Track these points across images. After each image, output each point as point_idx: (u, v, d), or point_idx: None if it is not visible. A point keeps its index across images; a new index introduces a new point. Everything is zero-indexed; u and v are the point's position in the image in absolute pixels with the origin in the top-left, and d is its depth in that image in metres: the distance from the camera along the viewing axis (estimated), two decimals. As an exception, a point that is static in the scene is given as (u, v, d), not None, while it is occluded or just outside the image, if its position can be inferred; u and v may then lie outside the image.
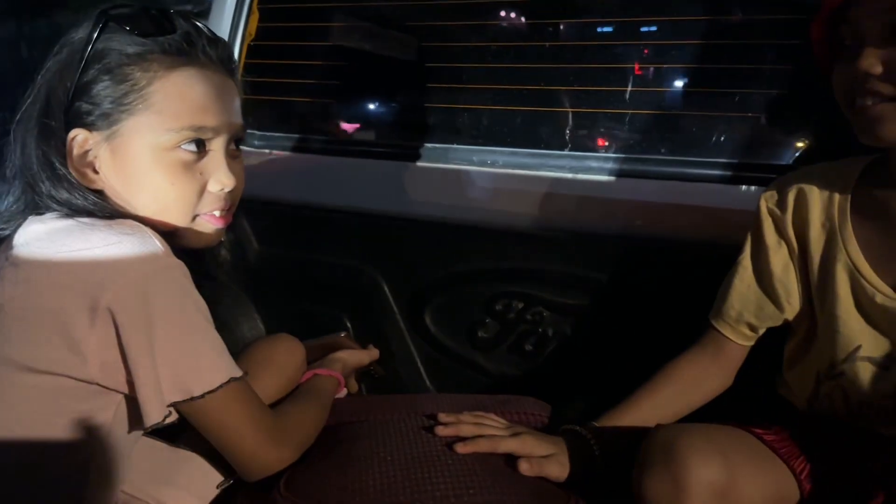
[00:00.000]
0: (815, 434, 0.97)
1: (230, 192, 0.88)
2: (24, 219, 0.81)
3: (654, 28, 1.40)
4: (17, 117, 0.83)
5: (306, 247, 1.64)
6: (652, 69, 1.43)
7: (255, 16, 1.72)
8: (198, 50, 0.83)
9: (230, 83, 0.87)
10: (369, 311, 1.59)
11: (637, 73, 1.42)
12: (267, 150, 1.71)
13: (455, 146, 1.54)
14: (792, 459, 0.93)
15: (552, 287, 1.42)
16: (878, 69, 0.79)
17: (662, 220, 1.31)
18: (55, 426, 0.76)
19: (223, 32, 1.71)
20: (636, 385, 1.07)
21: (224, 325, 1.55)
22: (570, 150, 1.45)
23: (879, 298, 0.91)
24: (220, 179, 0.85)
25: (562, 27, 1.49)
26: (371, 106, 1.67)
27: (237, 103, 0.89)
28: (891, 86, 0.79)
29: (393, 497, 0.84)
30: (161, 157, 0.81)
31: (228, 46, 0.89)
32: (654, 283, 1.21)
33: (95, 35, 0.79)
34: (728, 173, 1.28)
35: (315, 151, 1.68)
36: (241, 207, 1.56)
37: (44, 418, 0.76)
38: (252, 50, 1.72)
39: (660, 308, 1.15)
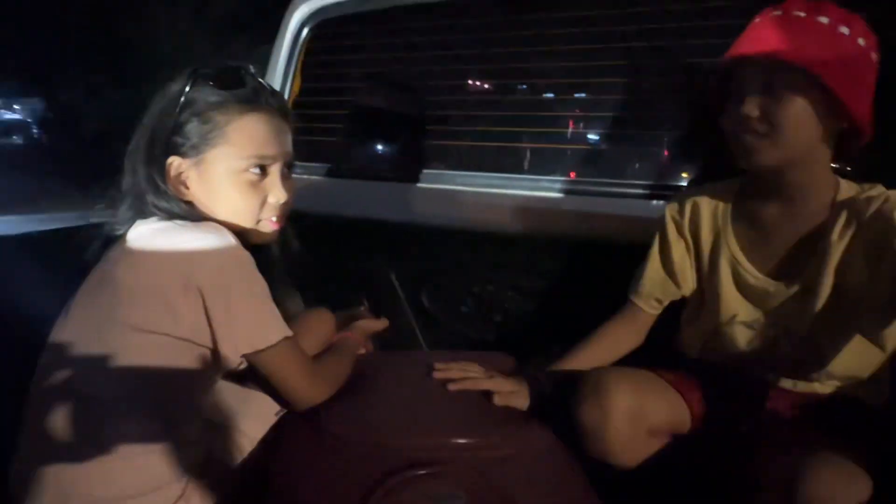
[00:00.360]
0: (703, 376, 0.99)
1: (284, 203, 0.90)
2: (134, 222, 0.84)
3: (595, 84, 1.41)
4: (129, 148, 0.87)
5: (336, 246, 1.65)
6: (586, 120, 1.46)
7: (299, 79, 1.75)
8: (262, 99, 0.86)
9: (284, 124, 0.90)
10: (382, 293, 1.61)
11: (572, 125, 1.45)
12: (306, 176, 1.72)
13: (443, 172, 1.55)
14: (685, 392, 0.95)
15: (515, 275, 1.45)
16: (756, 113, 0.83)
17: (596, 226, 1.32)
18: (157, 373, 0.79)
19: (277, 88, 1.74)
20: (576, 343, 1.09)
21: (278, 303, 1.58)
22: (528, 175, 1.47)
23: (752, 280, 0.95)
24: (277, 194, 0.88)
25: (516, 92, 1.51)
26: (379, 143, 1.69)
27: (289, 139, 0.91)
28: (764, 125, 0.83)
29: (401, 419, 0.87)
30: (234, 178, 0.85)
31: (284, 98, 0.91)
32: (589, 271, 1.23)
33: (188, 88, 0.83)
34: (643, 191, 1.30)
35: (340, 176, 1.69)
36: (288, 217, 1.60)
37: (156, 367, 0.79)
38: (295, 104, 1.74)
39: (592, 289, 1.16)
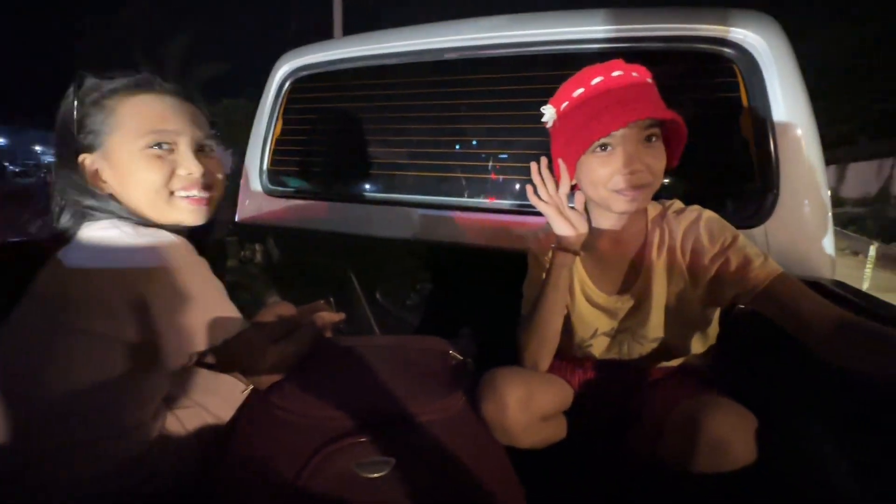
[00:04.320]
0: (582, 367, 0.96)
1: (200, 177, 0.74)
2: (79, 226, 0.70)
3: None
4: (54, 161, 0.74)
5: (306, 252, 1.58)
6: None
7: (280, 122, 1.66)
8: (154, 84, 0.74)
9: (185, 105, 0.75)
10: (342, 290, 1.53)
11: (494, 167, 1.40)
12: (285, 198, 1.63)
13: (392, 195, 1.49)
14: (569, 379, 0.93)
15: (446, 273, 1.39)
16: (642, 166, 0.75)
17: (506, 239, 1.27)
18: (110, 373, 0.65)
19: (262, 132, 1.67)
20: (496, 329, 1.01)
21: (257, 299, 1.45)
22: (457, 197, 1.40)
23: (599, 299, 0.88)
24: (186, 167, 0.73)
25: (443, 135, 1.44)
26: (340, 173, 1.61)
27: (196, 118, 0.76)
28: (647, 175, 0.75)
29: (340, 394, 0.77)
30: (138, 156, 0.71)
31: (179, 84, 0.77)
32: (503, 274, 1.16)
33: (77, 86, 0.71)
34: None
35: (313, 198, 1.60)
36: (269, 230, 1.49)
37: (100, 368, 0.65)
38: (278, 142, 1.67)
39: (504, 288, 1.08)
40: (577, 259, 0.86)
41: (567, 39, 1.22)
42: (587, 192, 0.82)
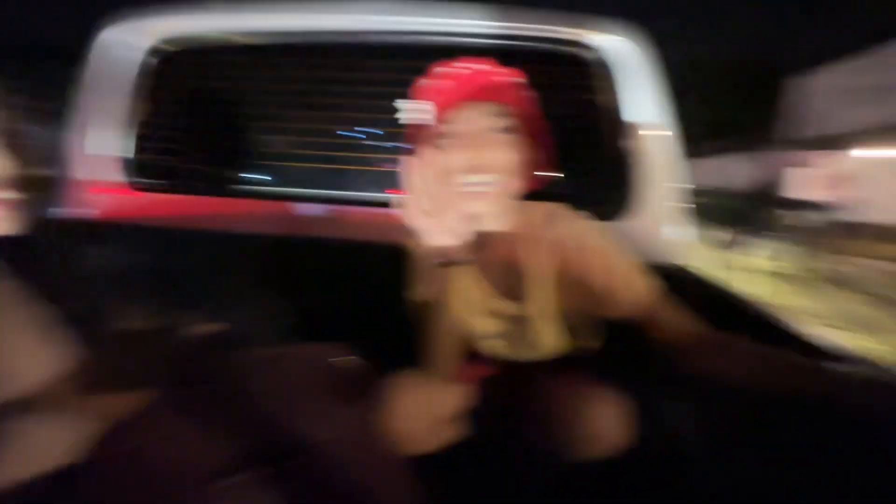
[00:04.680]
0: (479, 367, 0.95)
1: None
2: None
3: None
4: None
5: (171, 254, 1.35)
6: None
7: (145, 105, 1.41)
8: None
9: None
10: (215, 296, 1.35)
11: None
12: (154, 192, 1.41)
13: (267, 188, 1.40)
14: (467, 380, 0.91)
15: (332, 271, 1.27)
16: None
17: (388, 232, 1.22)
18: None
19: (115, 111, 1.39)
20: (391, 331, 0.95)
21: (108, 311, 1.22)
22: (339, 190, 1.34)
23: (491, 304, 0.87)
24: None
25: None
26: (218, 163, 1.45)
27: None
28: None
29: (218, 424, 0.66)
30: None
31: None
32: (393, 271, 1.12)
33: None
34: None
35: (179, 193, 1.41)
36: (129, 230, 1.25)
37: None
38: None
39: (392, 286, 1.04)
40: (476, 267, 0.84)
41: (440, 31, 1.23)
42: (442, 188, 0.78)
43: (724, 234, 10.17)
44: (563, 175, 1.17)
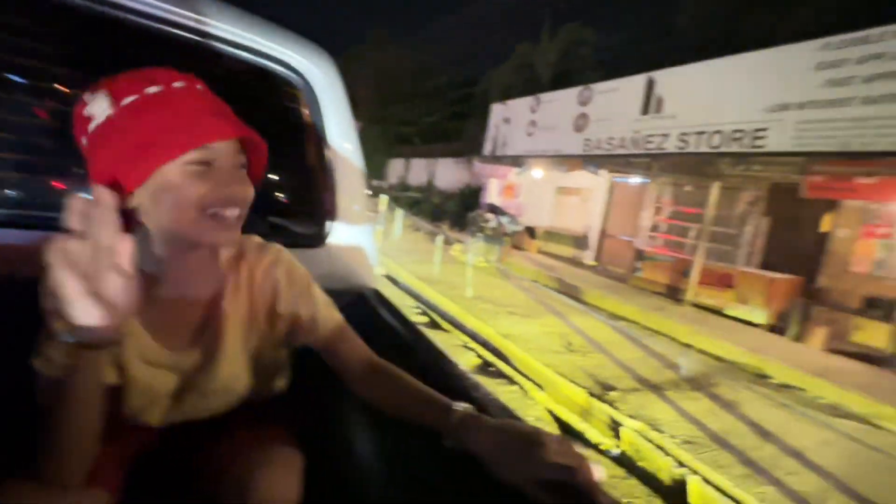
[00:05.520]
0: (135, 440, 0.80)
1: None
2: None
3: None
4: None
5: None
6: None
7: None
8: None
9: None
10: None
11: None
12: None
13: None
14: (118, 460, 0.75)
15: None
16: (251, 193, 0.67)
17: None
18: None
19: None
20: None
21: None
22: None
23: (163, 357, 0.72)
24: None
25: None
26: None
27: None
28: (245, 205, 0.66)
29: None
30: None
31: None
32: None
33: None
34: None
35: None
36: None
37: None
38: None
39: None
40: (133, 316, 0.66)
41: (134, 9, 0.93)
42: (162, 219, 0.63)
43: (436, 230, 11.79)
44: (266, 201, 1.05)
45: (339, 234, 1.14)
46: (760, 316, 5.83)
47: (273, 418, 0.83)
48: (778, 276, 6.00)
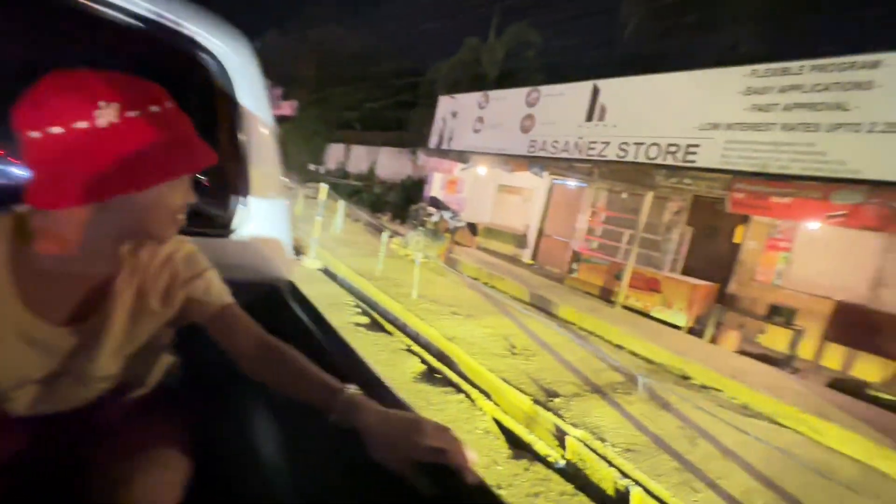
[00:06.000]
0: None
1: None
2: None
3: None
4: None
5: None
6: None
7: None
8: None
9: None
10: None
11: None
12: None
13: None
14: None
15: None
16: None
17: None
18: None
19: None
20: None
21: None
22: None
23: (41, 332, 0.69)
24: None
25: None
26: None
27: None
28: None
29: None
30: None
31: None
32: None
33: None
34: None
35: None
36: None
37: None
38: None
39: None
40: (9, 279, 0.66)
41: None
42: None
43: (376, 221, 11.40)
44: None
45: (253, 222, 1.10)
46: (682, 319, 6.25)
47: (160, 415, 0.83)
48: (698, 282, 6.46)
